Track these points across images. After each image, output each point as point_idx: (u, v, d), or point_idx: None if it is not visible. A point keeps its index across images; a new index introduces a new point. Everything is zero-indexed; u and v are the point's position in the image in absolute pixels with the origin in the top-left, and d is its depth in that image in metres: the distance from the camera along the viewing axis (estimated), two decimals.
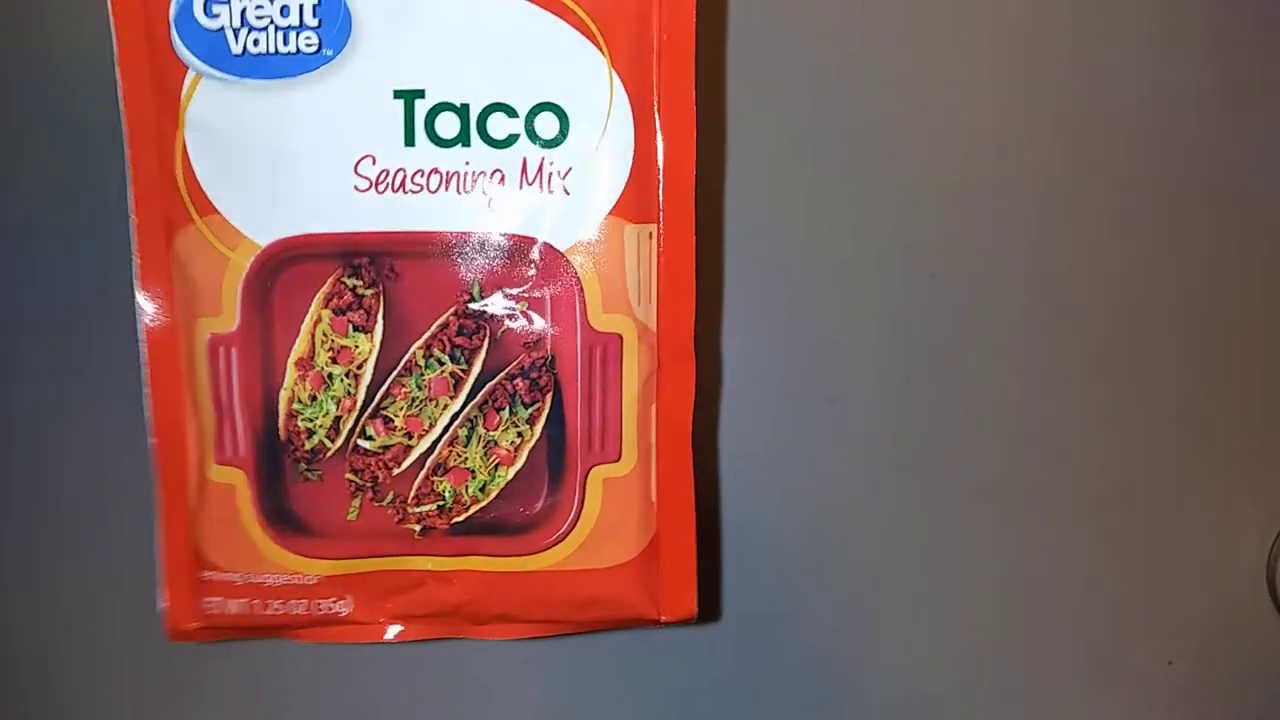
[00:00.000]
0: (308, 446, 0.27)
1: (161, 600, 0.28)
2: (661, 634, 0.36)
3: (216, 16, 0.25)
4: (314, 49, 0.25)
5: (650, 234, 0.26)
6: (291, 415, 0.26)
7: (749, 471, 0.41)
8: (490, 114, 0.26)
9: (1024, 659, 0.46)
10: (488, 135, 0.26)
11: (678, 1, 0.26)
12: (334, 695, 0.36)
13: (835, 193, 0.42)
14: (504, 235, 0.26)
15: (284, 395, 0.26)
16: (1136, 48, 0.45)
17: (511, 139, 0.26)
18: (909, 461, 0.44)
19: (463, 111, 0.26)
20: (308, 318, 0.26)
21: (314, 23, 0.25)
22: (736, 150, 0.40)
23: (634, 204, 0.26)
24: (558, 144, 0.26)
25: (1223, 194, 0.47)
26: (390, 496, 0.27)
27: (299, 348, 0.26)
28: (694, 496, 0.28)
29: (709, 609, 0.39)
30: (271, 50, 0.25)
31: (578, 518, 0.27)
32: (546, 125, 0.26)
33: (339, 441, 0.27)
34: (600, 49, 0.26)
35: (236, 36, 0.25)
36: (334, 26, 0.25)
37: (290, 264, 0.26)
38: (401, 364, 0.26)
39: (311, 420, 0.26)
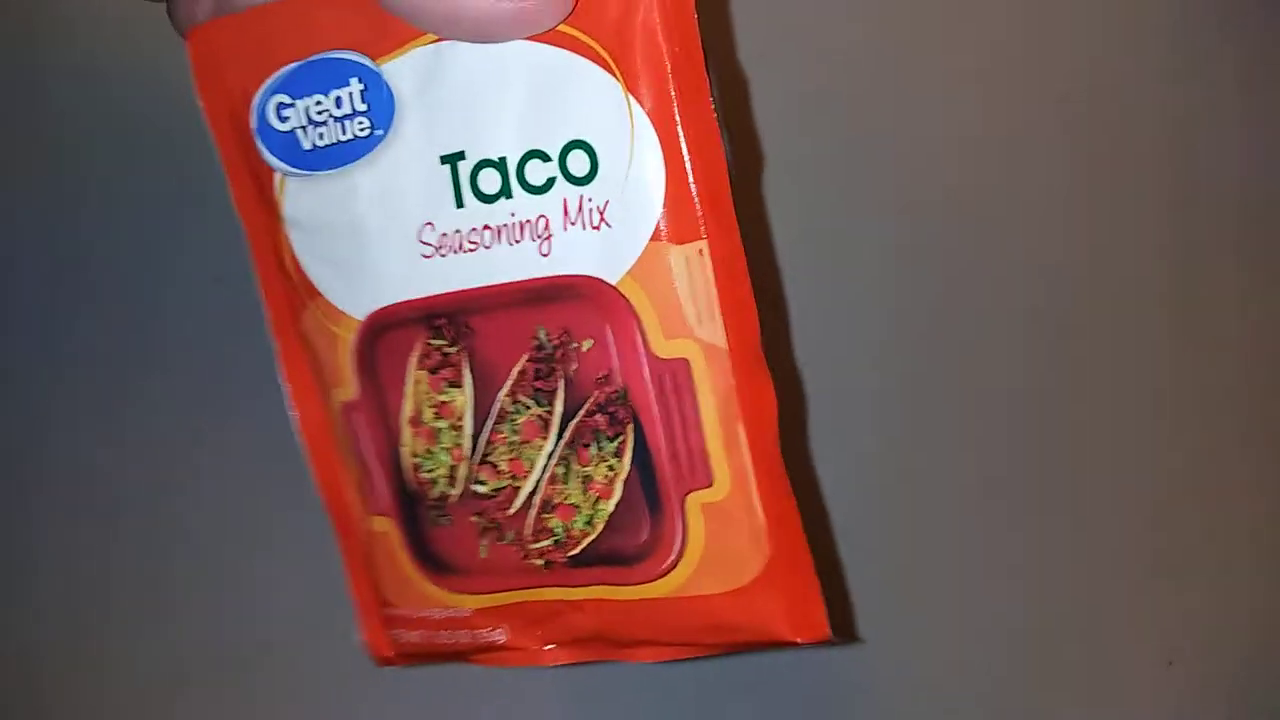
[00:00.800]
0: (433, 495, 0.29)
1: (360, 633, 0.32)
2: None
3: (287, 120, 0.27)
4: (367, 132, 0.27)
5: (699, 251, 0.25)
6: (415, 469, 0.29)
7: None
8: (526, 162, 0.26)
9: (1024, 659, 0.45)
10: (527, 184, 0.26)
11: (681, 15, 0.24)
12: None
13: (841, 195, 0.43)
14: (557, 277, 0.26)
15: (405, 451, 0.29)
16: (1143, 47, 0.45)
17: (550, 183, 0.26)
18: (910, 462, 0.44)
19: (501, 165, 0.26)
20: (408, 379, 0.28)
21: (363, 107, 0.27)
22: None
23: (674, 224, 0.25)
24: (591, 179, 0.25)
25: (1227, 193, 0.45)
26: (511, 535, 0.28)
27: (407, 408, 0.28)
28: (799, 513, 0.27)
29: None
30: (334, 141, 0.27)
31: (684, 545, 0.27)
32: (578, 163, 0.25)
33: (458, 488, 0.28)
34: (614, 74, 0.25)
35: (306, 135, 0.27)
36: (380, 107, 0.27)
37: (384, 333, 0.28)
38: (494, 412, 0.28)
39: (432, 471, 0.29)
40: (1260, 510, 0.46)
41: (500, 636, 0.30)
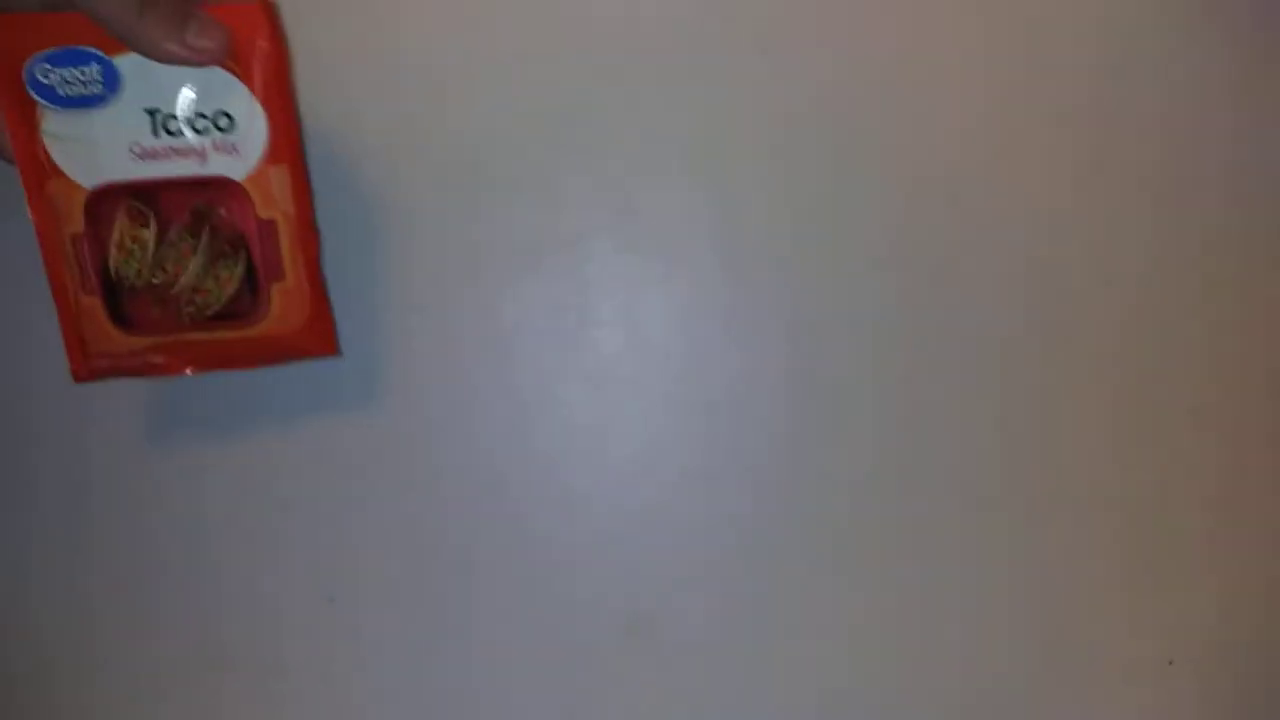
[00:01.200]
0: (129, 284, 0.55)
1: (69, 365, 0.56)
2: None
3: (49, 78, 0.52)
4: (100, 92, 0.52)
5: (283, 169, 0.55)
6: (118, 270, 0.55)
7: None
8: (194, 119, 0.53)
9: (1024, 658, 0.45)
10: (194, 130, 0.53)
11: (277, 60, 0.53)
12: None
13: (833, 191, 0.44)
14: (209, 176, 0.54)
15: (112, 260, 0.54)
16: (1137, 42, 0.45)
17: (207, 131, 0.53)
18: (909, 462, 0.44)
19: (179, 118, 0.53)
20: (116, 223, 0.54)
21: (99, 79, 0.52)
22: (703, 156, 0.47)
23: (272, 155, 0.54)
24: (231, 130, 0.53)
25: (1224, 190, 0.45)
26: (174, 307, 0.56)
27: (115, 237, 0.54)
28: (326, 295, 0.57)
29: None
30: (79, 94, 0.52)
31: (268, 309, 0.56)
32: (224, 121, 0.53)
33: (143, 280, 0.55)
34: (244, 81, 0.53)
35: (60, 87, 0.52)
36: (110, 80, 0.52)
37: (104, 197, 0.54)
38: (167, 242, 0.55)
39: (129, 272, 0.55)
40: (1261, 510, 0.45)
41: (159, 360, 0.57)
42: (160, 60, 0.51)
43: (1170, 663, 0.45)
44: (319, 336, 0.58)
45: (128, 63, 0.52)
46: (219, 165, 0.54)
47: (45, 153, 0.52)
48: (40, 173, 0.53)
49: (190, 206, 0.54)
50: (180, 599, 0.52)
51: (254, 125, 0.53)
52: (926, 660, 0.47)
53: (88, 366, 0.56)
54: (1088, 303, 0.46)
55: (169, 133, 0.53)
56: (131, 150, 0.53)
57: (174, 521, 0.53)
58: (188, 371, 0.57)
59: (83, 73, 0.51)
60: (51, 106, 0.52)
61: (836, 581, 0.47)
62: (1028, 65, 0.43)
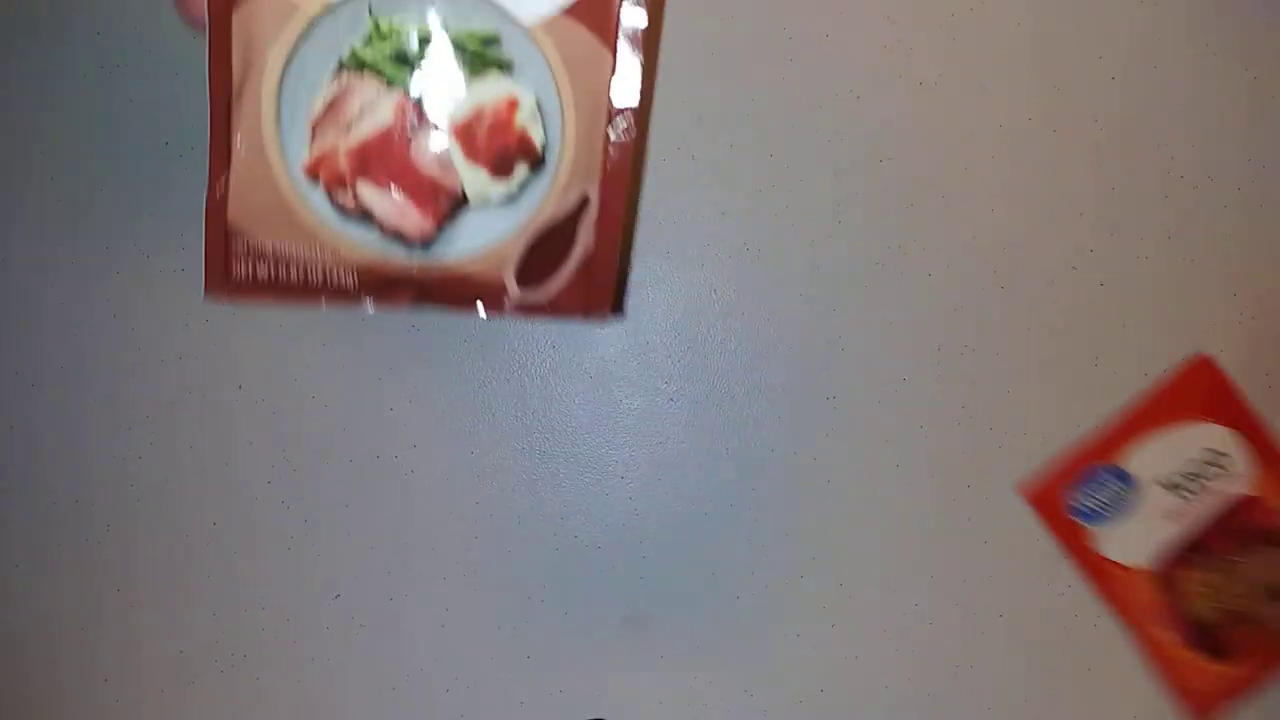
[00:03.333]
0: (1209, 622, 0.67)
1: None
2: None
3: (1085, 503, 0.69)
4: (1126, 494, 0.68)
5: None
6: (1198, 614, 0.67)
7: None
8: (1185, 478, 0.68)
9: (1024, 655, 0.47)
10: (1190, 488, 0.67)
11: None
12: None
13: (831, 194, 0.46)
14: (1229, 499, 0.67)
15: (1195, 608, 0.67)
16: (1132, 42, 0.47)
17: (1198, 479, 0.67)
18: (908, 456, 0.46)
19: (1179, 483, 0.68)
20: (1179, 579, 0.67)
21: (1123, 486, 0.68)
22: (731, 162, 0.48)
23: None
24: (1222, 473, 0.67)
25: (1231, 190, 0.47)
26: (1263, 621, 0.66)
27: (1186, 590, 0.67)
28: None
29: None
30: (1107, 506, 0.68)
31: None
32: (1211, 471, 0.67)
33: (1221, 614, 0.67)
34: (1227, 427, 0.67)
35: (1099, 508, 0.69)
36: (1126, 479, 0.68)
37: (1163, 565, 0.67)
38: (1221, 570, 0.67)
39: (1206, 610, 0.67)
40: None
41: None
42: None
43: None
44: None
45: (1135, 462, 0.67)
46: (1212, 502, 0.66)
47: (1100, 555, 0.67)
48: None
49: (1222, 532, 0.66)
50: (188, 598, 0.51)
51: (1236, 458, 0.66)
52: (922, 655, 0.46)
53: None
54: (1083, 302, 0.46)
55: (1174, 492, 0.66)
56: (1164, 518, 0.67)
57: (176, 521, 0.51)
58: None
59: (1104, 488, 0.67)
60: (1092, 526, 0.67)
61: (837, 578, 0.47)
62: (1035, 74, 0.46)
